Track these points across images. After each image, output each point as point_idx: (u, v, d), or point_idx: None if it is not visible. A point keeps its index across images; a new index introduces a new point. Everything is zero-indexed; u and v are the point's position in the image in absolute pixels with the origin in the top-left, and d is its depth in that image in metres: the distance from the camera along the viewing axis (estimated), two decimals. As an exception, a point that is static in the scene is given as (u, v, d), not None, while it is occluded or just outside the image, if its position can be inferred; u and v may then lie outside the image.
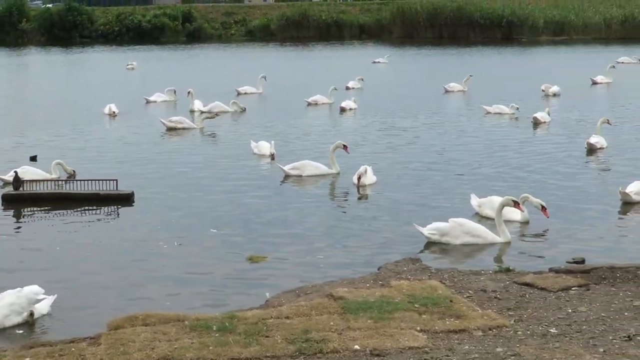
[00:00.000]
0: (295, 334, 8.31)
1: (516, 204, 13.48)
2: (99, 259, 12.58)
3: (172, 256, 12.62)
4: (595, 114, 27.78)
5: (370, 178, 17.38)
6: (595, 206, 15.49)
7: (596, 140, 21.74)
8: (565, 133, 24.60)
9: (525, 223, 14.23)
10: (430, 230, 13.26)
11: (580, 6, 74.61)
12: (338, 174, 18.40)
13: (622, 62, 47.76)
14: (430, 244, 13.14)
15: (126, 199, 16.20)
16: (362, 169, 17.32)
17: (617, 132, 23.52)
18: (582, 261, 12.13)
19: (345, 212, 15.49)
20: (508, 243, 13.13)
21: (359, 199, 16.62)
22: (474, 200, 14.95)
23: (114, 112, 28.66)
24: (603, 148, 21.64)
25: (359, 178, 17.08)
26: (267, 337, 8.27)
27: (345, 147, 18.52)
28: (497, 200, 13.99)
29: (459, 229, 13.18)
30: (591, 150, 21.42)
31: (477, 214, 14.73)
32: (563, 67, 47.30)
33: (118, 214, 15.68)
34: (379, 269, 10.90)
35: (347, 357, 7.87)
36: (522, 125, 26.25)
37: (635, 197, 15.74)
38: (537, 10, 72.80)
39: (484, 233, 13.23)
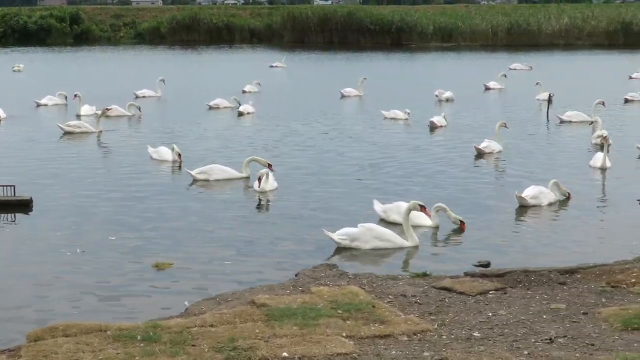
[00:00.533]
0: (222, 343, 8.21)
1: (422, 208, 13.65)
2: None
3: (75, 264, 12.36)
4: (489, 118, 28.51)
5: (270, 184, 17.34)
6: (495, 210, 15.84)
7: (485, 145, 22.18)
8: (461, 137, 25.04)
9: (436, 228, 14.38)
10: (341, 235, 13.32)
11: (468, 14, 76.21)
12: (248, 177, 18.31)
13: (514, 69, 49.11)
14: (340, 249, 13.18)
15: (25, 205, 15.77)
16: (263, 171, 17.29)
17: (508, 136, 23.96)
18: (488, 264, 12.39)
19: (249, 218, 15.43)
20: (416, 247, 13.32)
21: (261, 204, 16.58)
22: (378, 206, 15.03)
23: (-1, 117, 27.89)
24: (493, 152, 22.05)
25: (259, 180, 17.04)
26: (193, 346, 8.14)
27: (269, 165, 18.31)
28: (403, 205, 14.14)
29: (368, 233, 13.28)
30: (480, 154, 21.82)
31: (382, 219, 14.78)
32: (455, 72, 48.28)
33: (17, 221, 15.25)
34: (296, 275, 10.86)
35: (275, 364, 7.80)
36: (418, 129, 26.60)
37: (531, 201, 16.13)
38: (425, 17, 74.00)
39: (393, 237, 13.38)
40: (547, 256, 12.81)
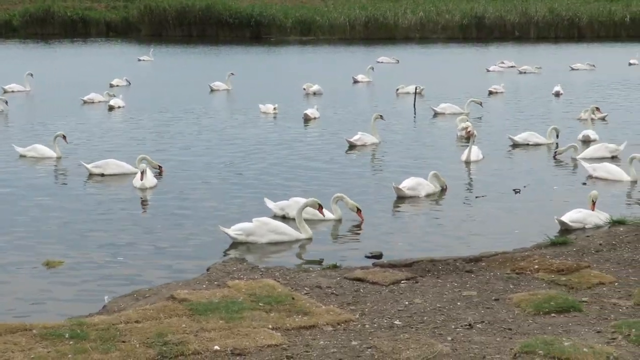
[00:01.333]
0: (152, 338, 8.22)
1: (320, 208, 13.91)
2: None
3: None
4: (360, 111, 29.14)
5: (150, 180, 17.27)
6: (377, 202, 16.27)
7: (358, 137, 22.64)
8: (335, 129, 25.55)
9: (338, 221, 14.70)
10: (236, 230, 13.48)
11: (326, 7, 76.98)
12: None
13: (382, 62, 50.06)
14: (236, 244, 13.32)
15: None
16: (142, 165, 17.23)
17: (381, 129, 24.46)
18: (380, 255, 12.74)
19: (136, 215, 15.46)
20: (310, 239, 13.65)
21: (146, 201, 16.66)
22: (272, 204, 15.18)
23: None
24: (366, 145, 22.58)
25: (142, 175, 17.00)
26: (123, 342, 8.13)
27: (160, 167, 18.53)
28: (301, 201, 14.43)
29: (264, 227, 13.51)
30: (352, 147, 22.25)
31: (276, 216, 14.92)
32: (321, 66, 48.84)
33: None
34: (208, 270, 10.91)
35: (209, 358, 7.88)
36: (290, 123, 26.93)
37: (409, 192, 16.59)
38: (284, 10, 74.34)
39: (288, 230, 13.66)
40: (434, 245, 13.39)
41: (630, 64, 51.40)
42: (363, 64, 43.40)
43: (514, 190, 17.88)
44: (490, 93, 35.83)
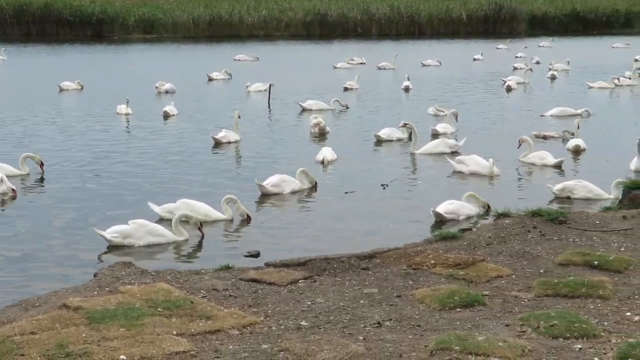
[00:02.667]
0: (52, 350, 7.76)
1: (200, 227, 13.81)
2: None
3: None
4: (218, 108, 29.09)
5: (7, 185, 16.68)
6: (245, 199, 15.92)
7: (223, 134, 22.50)
8: (197, 127, 25.62)
9: (230, 221, 14.78)
10: (113, 233, 13.11)
11: (168, 5, 76.12)
12: (28, 174, 18.03)
13: (239, 60, 50.04)
14: (113, 247, 12.95)
15: None
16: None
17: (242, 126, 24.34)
18: (257, 254, 12.61)
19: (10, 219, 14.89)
20: (186, 240, 13.53)
21: (12, 204, 16.03)
22: (157, 208, 14.89)
23: None
24: (230, 142, 22.69)
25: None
26: (22, 355, 7.65)
27: (41, 164, 18.15)
28: (193, 203, 14.58)
29: (142, 229, 13.24)
30: (217, 144, 22.09)
31: (162, 219, 14.56)
32: (170, 64, 48.33)
33: None
34: (95, 276, 10.42)
35: (117, 369, 7.49)
36: (149, 122, 26.47)
37: (272, 189, 16.52)
38: (126, 8, 73.01)
39: (165, 232, 13.48)
40: (312, 243, 13.53)
41: (474, 60, 52.89)
42: (219, 62, 43.20)
43: (381, 185, 18.00)
44: (346, 89, 36.11)
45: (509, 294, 9.34)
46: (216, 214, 14.85)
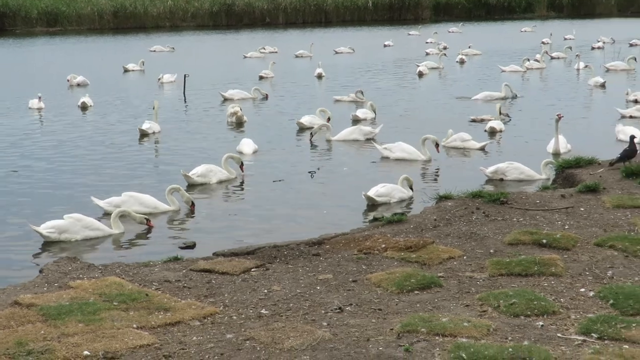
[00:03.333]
0: (12, 348, 7.56)
1: (148, 222, 13.72)
2: None
3: None
4: (137, 100, 28.72)
5: None
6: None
7: (148, 126, 22.65)
8: (115, 119, 25.54)
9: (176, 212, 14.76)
10: (48, 229, 12.89)
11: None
12: None
13: (155, 51, 49.65)
14: (50, 243, 12.69)
15: None
16: None
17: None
18: (193, 245, 12.52)
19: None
20: (122, 233, 13.39)
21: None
22: (102, 202, 14.66)
23: None
24: (155, 133, 22.66)
25: None
26: (-19, 355, 7.42)
27: None
28: (139, 196, 14.58)
29: (77, 224, 13.04)
30: (143, 135, 22.14)
31: (106, 213, 14.35)
32: (79, 57, 47.61)
33: None
34: (41, 272, 10.16)
35: (82, 365, 7.33)
36: (64, 115, 26.10)
37: (199, 179, 16.44)
38: (29, 1, 71.45)
39: (101, 226, 13.33)
40: (247, 230, 13.61)
41: (385, 46, 53.33)
42: (135, 53, 42.79)
43: (309, 172, 18.00)
44: (261, 78, 36.03)
45: (463, 275, 9.41)
46: (164, 206, 14.78)
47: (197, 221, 14.47)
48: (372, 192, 14.88)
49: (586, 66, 36.78)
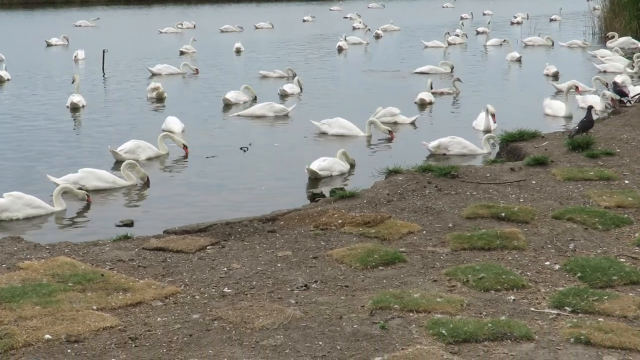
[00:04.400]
0: (-32, 333, 7.15)
1: (88, 198, 13.48)
2: None
3: None
4: (55, 73, 28.19)
5: None
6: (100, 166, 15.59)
7: (78, 99, 22.51)
8: (39, 93, 25.40)
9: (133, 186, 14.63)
10: None
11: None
12: None
13: (80, 26, 49.01)
14: None
15: None
16: None
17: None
18: (131, 223, 12.26)
19: None
20: (64, 210, 13.08)
21: None
22: (57, 179, 14.24)
23: None
24: (84, 107, 22.56)
25: None
26: (-64, 342, 7.00)
27: None
28: (100, 172, 14.53)
29: (18, 202, 12.69)
30: (74, 109, 22.21)
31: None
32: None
33: None
34: (-16, 252, 9.69)
35: (44, 349, 6.98)
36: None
37: (127, 156, 16.20)
38: None
39: (43, 204, 12.95)
40: (188, 207, 13.53)
41: (304, 21, 53.21)
42: (57, 28, 42.16)
43: (241, 148, 17.77)
44: (182, 53, 35.59)
45: (425, 250, 9.26)
46: (121, 181, 14.58)
47: (134, 198, 14.14)
48: (314, 166, 14.77)
49: (504, 41, 37.09)
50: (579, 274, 8.34)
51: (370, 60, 34.28)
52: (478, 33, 45.35)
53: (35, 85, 26.77)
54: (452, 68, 29.21)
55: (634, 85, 22.39)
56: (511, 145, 14.20)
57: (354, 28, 47.16)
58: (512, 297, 7.82)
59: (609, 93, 20.86)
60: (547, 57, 33.50)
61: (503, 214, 10.11)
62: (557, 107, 20.95)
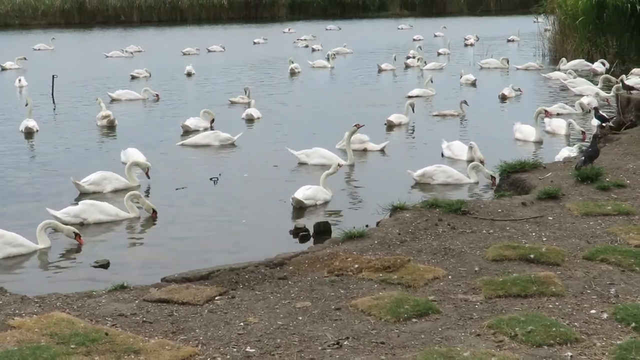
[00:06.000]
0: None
1: (78, 237, 12.64)
2: None
3: None
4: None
5: None
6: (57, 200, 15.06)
7: (33, 124, 22.33)
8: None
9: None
10: None
11: None
12: None
13: (39, 49, 48.57)
14: None
15: None
16: None
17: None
18: (107, 264, 11.52)
19: None
20: (48, 248, 12.37)
21: None
22: (58, 212, 13.56)
23: None
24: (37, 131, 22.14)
25: None
26: None
27: None
28: (98, 204, 13.75)
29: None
30: (29, 133, 21.77)
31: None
32: None
33: None
34: (-38, 308, 8.70)
35: None
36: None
37: (91, 187, 15.72)
38: None
39: (25, 242, 12.15)
40: (167, 247, 12.71)
41: (254, 43, 52.77)
42: (18, 51, 41.58)
43: (211, 179, 17.04)
44: (133, 77, 34.70)
45: (457, 298, 8.51)
46: (124, 214, 13.84)
47: (105, 236, 13.28)
48: (299, 195, 14.21)
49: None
50: (632, 324, 7.64)
51: (324, 84, 33.69)
52: (439, 54, 45.08)
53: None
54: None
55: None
56: (513, 177, 13.54)
57: (314, 50, 46.73)
58: (569, 354, 7.10)
59: (575, 124, 20.60)
60: (503, 80, 33.13)
61: (532, 256, 9.40)
62: (527, 131, 20.50)
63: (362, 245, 10.17)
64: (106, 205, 14.00)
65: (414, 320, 7.97)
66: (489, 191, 15.04)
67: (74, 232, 12.50)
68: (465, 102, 24.71)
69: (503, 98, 27.80)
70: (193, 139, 20.81)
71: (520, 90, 28.69)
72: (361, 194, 15.75)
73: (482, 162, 16.57)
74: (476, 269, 9.24)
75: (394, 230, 10.63)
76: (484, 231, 10.53)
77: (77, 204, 14.00)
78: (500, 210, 11.40)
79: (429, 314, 8.08)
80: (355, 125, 17.24)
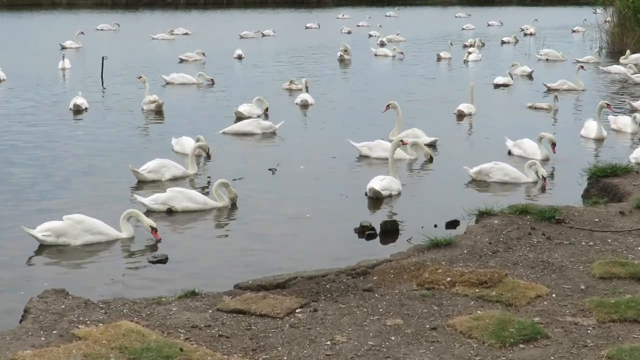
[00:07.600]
0: None
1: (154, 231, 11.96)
2: None
3: None
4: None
5: None
6: (121, 188, 14.65)
7: (81, 101, 22.22)
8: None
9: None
10: (44, 231, 11.29)
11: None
12: None
13: (102, 29, 50.25)
14: (45, 247, 11.21)
15: None
16: None
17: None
18: (166, 259, 10.98)
19: None
20: (132, 238, 11.79)
21: None
22: (145, 199, 13.20)
23: None
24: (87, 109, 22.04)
25: None
26: None
27: None
28: (189, 192, 13.35)
29: (78, 227, 11.34)
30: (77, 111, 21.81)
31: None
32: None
33: None
34: (27, 312, 7.95)
35: None
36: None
37: (150, 175, 15.15)
38: None
39: (107, 229, 11.62)
40: (232, 244, 12.00)
41: (306, 28, 52.36)
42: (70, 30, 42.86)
43: (269, 169, 16.30)
44: (182, 60, 34.27)
45: (565, 320, 7.65)
46: (213, 202, 13.45)
47: (167, 228, 12.55)
48: (376, 186, 13.74)
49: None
50: None
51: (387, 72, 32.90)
52: (503, 43, 44.05)
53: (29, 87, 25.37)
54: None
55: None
56: (603, 182, 12.62)
57: (370, 35, 46.26)
58: None
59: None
60: (560, 73, 31.79)
61: (645, 274, 8.50)
62: (591, 128, 19.51)
63: (451, 255, 9.33)
64: (194, 193, 13.48)
65: (521, 346, 7.15)
66: (548, 192, 14.35)
67: (150, 227, 11.78)
68: (556, 98, 23.69)
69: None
70: (235, 127, 20.11)
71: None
72: (417, 190, 15.06)
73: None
74: (582, 287, 8.38)
75: (483, 238, 9.78)
76: (583, 243, 9.66)
77: (164, 191, 13.38)
78: (597, 220, 10.50)
79: (537, 338, 7.25)
80: (401, 141, 16.26)
